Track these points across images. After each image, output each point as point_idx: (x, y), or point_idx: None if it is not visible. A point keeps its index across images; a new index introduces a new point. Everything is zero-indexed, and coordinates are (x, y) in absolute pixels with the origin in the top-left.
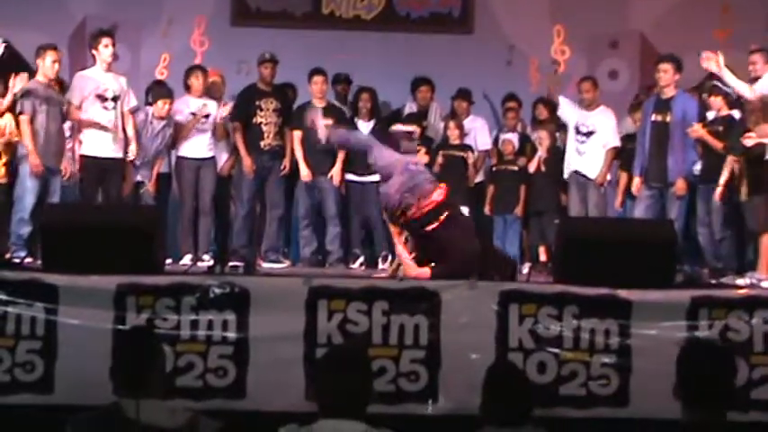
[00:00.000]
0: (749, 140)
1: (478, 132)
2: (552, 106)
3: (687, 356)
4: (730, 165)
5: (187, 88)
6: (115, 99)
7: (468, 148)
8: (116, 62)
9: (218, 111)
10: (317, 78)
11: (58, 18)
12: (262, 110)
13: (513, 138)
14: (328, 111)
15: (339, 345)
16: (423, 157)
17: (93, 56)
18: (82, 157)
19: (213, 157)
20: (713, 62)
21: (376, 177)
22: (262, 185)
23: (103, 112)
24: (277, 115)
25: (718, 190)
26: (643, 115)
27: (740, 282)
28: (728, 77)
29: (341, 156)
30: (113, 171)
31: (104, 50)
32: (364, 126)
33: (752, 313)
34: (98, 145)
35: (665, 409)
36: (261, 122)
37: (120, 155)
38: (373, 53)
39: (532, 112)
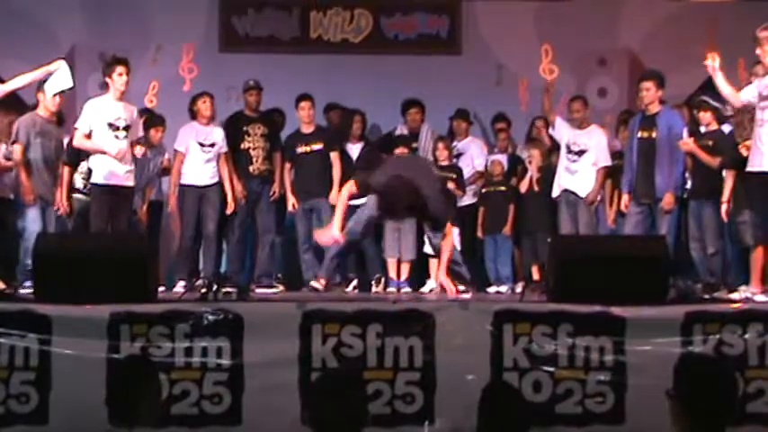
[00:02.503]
0: (745, 150)
1: (475, 154)
2: (548, 125)
3: (683, 371)
4: (731, 180)
5: (193, 115)
6: (126, 128)
7: (457, 168)
8: (128, 91)
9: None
10: (304, 104)
11: (45, 47)
12: (249, 135)
13: (503, 159)
14: (316, 135)
15: (332, 368)
16: None
17: (107, 83)
18: (93, 185)
19: (216, 184)
20: (712, 63)
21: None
22: (252, 211)
23: (115, 141)
24: (265, 140)
25: (723, 207)
26: (629, 133)
27: (734, 296)
28: (720, 81)
29: (336, 178)
30: (123, 200)
31: (118, 79)
32: (354, 149)
33: (746, 327)
34: (108, 173)
35: (661, 425)
36: (249, 148)
37: (129, 183)
38: (362, 76)
39: (529, 130)
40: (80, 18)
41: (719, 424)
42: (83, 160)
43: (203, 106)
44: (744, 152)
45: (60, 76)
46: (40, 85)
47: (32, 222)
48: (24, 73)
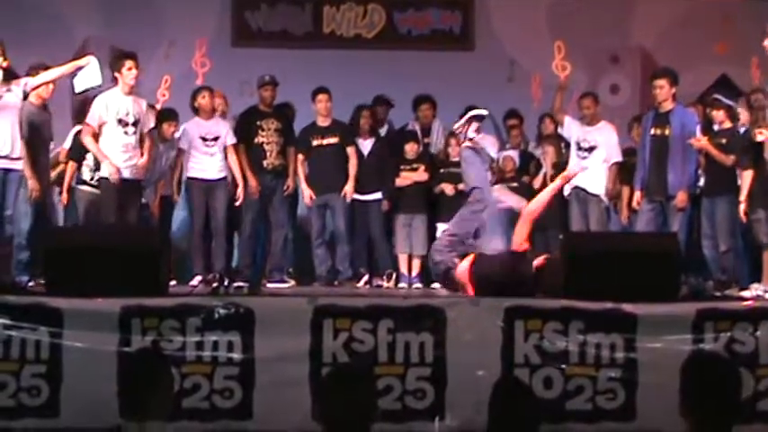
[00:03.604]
0: (761, 136)
1: (486, 148)
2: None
3: (690, 369)
4: (749, 179)
5: (195, 110)
6: (135, 123)
7: None
8: (137, 86)
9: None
10: (322, 97)
11: (59, 40)
12: (263, 130)
13: (514, 155)
14: (332, 129)
15: (342, 364)
16: (423, 175)
17: (116, 78)
18: (102, 179)
19: (224, 178)
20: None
21: (378, 196)
22: (265, 205)
23: (124, 136)
24: (279, 135)
25: (742, 207)
26: (642, 129)
27: (745, 294)
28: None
29: (352, 172)
30: (132, 193)
31: (127, 73)
32: (365, 144)
33: (757, 325)
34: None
35: (672, 422)
36: (263, 142)
37: (138, 177)
38: (374, 71)
39: (538, 127)
40: (94, 12)
41: (726, 423)
42: (87, 152)
43: (203, 102)
44: (759, 138)
45: (89, 73)
46: (30, 72)
47: (25, 217)
48: (53, 67)
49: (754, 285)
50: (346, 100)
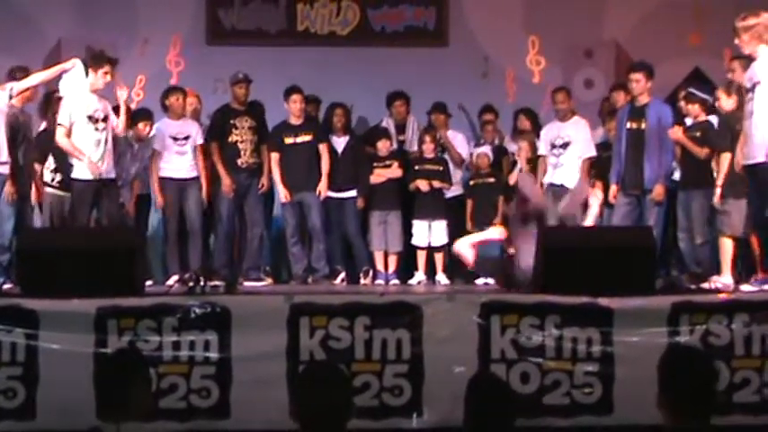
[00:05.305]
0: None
1: (457, 146)
2: (534, 116)
3: (667, 363)
4: (725, 164)
5: (165, 109)
6: (105, 119)
7: (444, 161)
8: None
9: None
10: (296, 97)
11: (32, 40)
12: (237, 128)
13: (488, 151)
14: (305, 127)
15: (315, 361)
16: (396, 172)
17: (87, 72)
18: (73, 180)
19: (197, 177)
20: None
21: (353, 193)
22: (241, 204)
23: (95, 133)
24: (252, 133)
25: (718, 191)
26: (618, 123)
27: (704, 286)
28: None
29: (326, 170)
30: (106, 191)
31: (102, 77)
32: (339, 142)
33: (732, 318)
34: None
35: (649, 415)
36: (237, 141)
37: (111, 175)
38: (349, 69)
39: (514, 123)
40: (67, 11)
41: (703, 414)
42: (49, 154)
43: (175, 102)
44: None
45: (75, 76)
46: (11, 74)
47: (7, 220)
48: (39, 71)
49: (714, 278)
50: (321, 98)
